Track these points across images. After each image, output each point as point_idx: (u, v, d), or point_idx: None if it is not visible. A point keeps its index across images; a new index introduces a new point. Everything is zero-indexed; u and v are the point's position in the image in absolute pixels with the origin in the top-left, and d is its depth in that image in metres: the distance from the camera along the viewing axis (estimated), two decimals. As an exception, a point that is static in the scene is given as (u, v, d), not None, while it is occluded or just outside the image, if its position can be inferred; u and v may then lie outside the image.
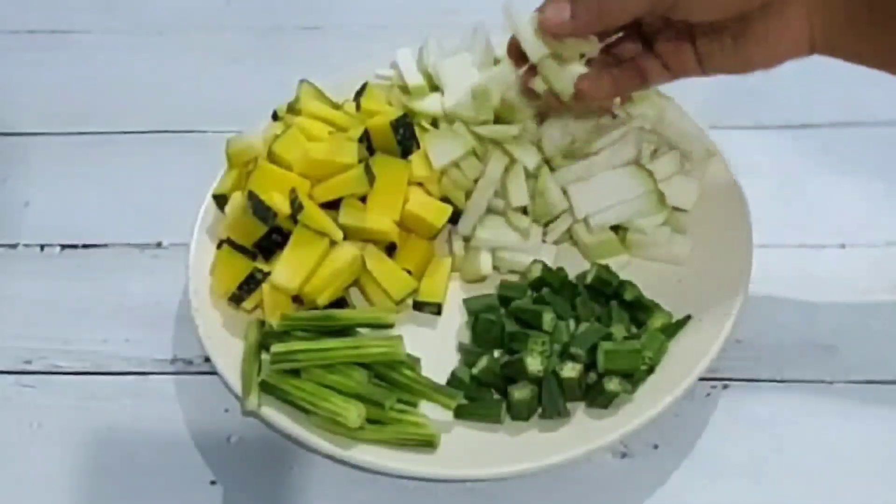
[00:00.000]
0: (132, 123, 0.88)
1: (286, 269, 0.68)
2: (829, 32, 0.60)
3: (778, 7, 0.59)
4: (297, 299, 0.69)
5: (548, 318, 0.67)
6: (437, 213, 0.71)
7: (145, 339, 0.74)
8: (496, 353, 0.67)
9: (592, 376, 0.65)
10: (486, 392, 0.67)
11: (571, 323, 0.68)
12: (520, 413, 0.65)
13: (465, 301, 0.70)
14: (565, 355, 0.66)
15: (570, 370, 0.64)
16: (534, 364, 0.65)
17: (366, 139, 0.72)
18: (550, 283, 0.70)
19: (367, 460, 0.63)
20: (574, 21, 0.60)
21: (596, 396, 0.64)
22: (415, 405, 0.66)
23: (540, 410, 0.65)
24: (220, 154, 0.74)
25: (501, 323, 0.68)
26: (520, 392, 0.64)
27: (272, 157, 0.70)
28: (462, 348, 0.69)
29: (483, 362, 0.66)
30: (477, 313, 0.69)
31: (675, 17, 0.59)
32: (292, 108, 0.75)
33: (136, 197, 0.83)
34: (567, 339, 0.66)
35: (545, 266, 0.70)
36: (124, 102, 0.90)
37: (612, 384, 0.64)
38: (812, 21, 0.59)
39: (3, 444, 0.69)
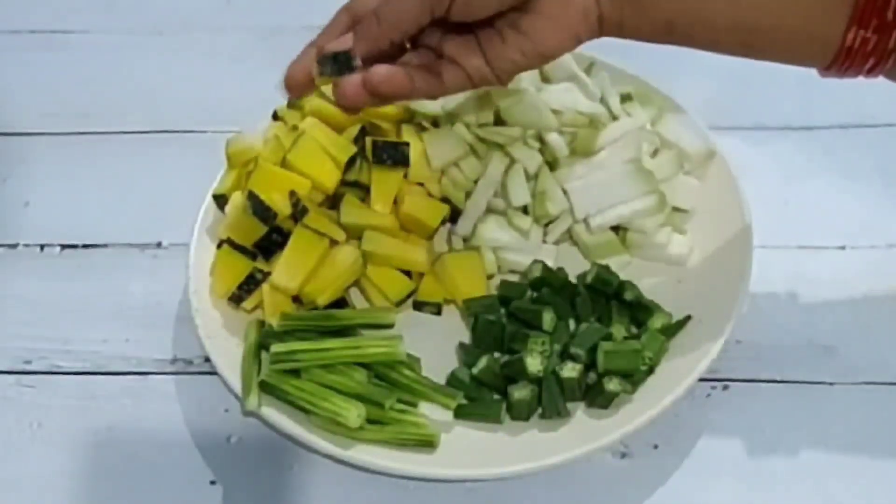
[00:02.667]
0: (132, 123, 0.88)
1: (286, 270, 0.68)
2: (612, 6, 0.58)
3: None
4: (297, 299, 0.69)
5: (548, 318, 0.67)
6: (433, 213, 0.71)
7: (145, 339, 0.74)
8: (496, 354, 0.67)
9: (592, 376, 0.65)
10: (486, 392, 0.67)
11: (571, 323, 0.68)
12: (520, 413, 0.65)
13: (465, 301, 0.70)
14: (565, 355, 0.66)
15: (570, 370, 0.64)
16: (534, 364, 0.65)
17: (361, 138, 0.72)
18: (551, 283, 0.70)
19: (367, 460, 0.63)
20: (357, 45, 0.59)
21: (596, 396, 0.64)
22: (415, 405, 0.66)
23: (540, 410, 0.65)
24: (220, 154, 0.74)
25: (501, 323, 0.68)
26: (520, 392, 0.64)
27: (286, 165, 0.70)
28: (462, 348, 0.69)
29: (483, 362, 0.66)
30: (477, 314, 0.69)
31: (453, 19, 0.57)
32: (293, 105, 0.75)
33: (136, 197, 0.82)
34: (567, 339, 0.66)
35: (545, 266, 0.70)
36: (124, 102, 0.90)
37: (612, 384, 0.64)
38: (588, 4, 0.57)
39: (3, 444, 0.69)
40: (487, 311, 0.68)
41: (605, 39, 0.90)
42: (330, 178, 0.70)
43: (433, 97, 0.62)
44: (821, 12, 0.56)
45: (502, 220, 0.72)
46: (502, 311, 0.69)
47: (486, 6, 0.57)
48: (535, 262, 0.71)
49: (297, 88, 0.61)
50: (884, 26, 0.54)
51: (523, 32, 0.58)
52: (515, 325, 0.68)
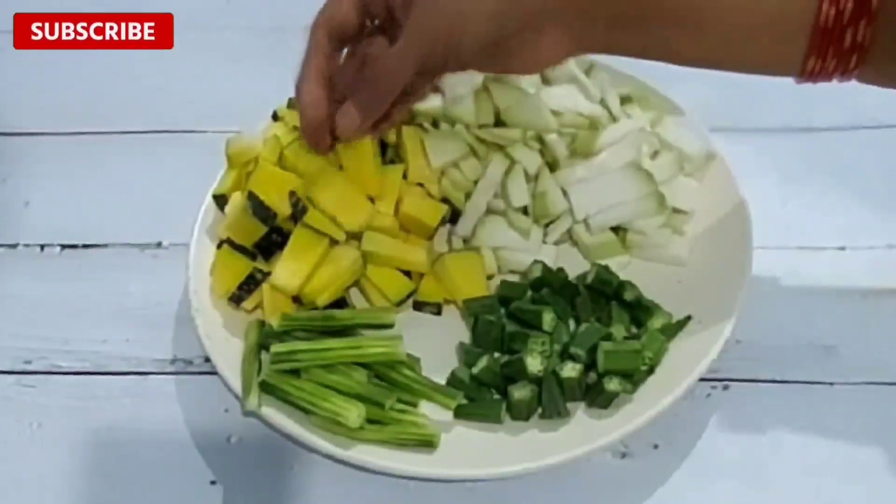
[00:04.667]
0: (132, 123, 0.88)
1: (286, 270, 0.68)
2: (583, 39, 0.60)
3: (531, 29, 0.59)
4: (297, 299, 0.69)
5: (548, 317, 0.67)
6: (433, 214, 0.71)
7: (145, 339, 0.74)
8: (496, 354, 0.67)
9: (592, 376, 0.65)
10: (486, 392, 0.67)
11: (571, 323, 0.68)
12: (520, 413, 0.65)
13: (465, 302, 0.70)
14: (565, 355, 0.66)
15: (570, 370, 0.64)
16: (534, 364, 0.65)
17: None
18: (551, 284, 0.70)
19: (367, 460, 0.63)
20: (364, 119, 0.63)
21: (596, 396, 0.64)
22: (415, 405, 0.66)
23: (540, 410, 0.65)
24: (220, 154, 0.74)
25: (501, 324, 0.68)
26: (520, 392, 0.64)
27: (284, 163, 0.70)
28: (462, 348, 0.69)
29: (483, 362, 0.66)
30: (477, 314, 0.69)
31: (448, 70, 0.62)
32: (293, 105, 0.75)
33: (136, 197, 0.83)
34: (567, 339, 0.66)
35: (545, 266, 0.70)
36: (124, 102, 0.90)
37: (613, 384, 0.64)
38: (567, 35, 0.60)
39: (3, 444, 0.69)
40: (487, 312, 0.68)
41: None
42: None
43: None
44: (778, 48, 0.57)
45: (502, 220, 0.72)
46: (502, 311, 0.69)
47: (473, 48, 0.60)
48: (536, 262, 0.71)
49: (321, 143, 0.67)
50: (841, 53, 0.56)
51: (496, 63, 0.62)
52: (515, 326, 0.68)
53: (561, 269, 0.71)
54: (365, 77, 0.63)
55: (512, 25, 0.59)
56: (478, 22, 0.59)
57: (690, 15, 0.57)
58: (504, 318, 0.69)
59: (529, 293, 0.70)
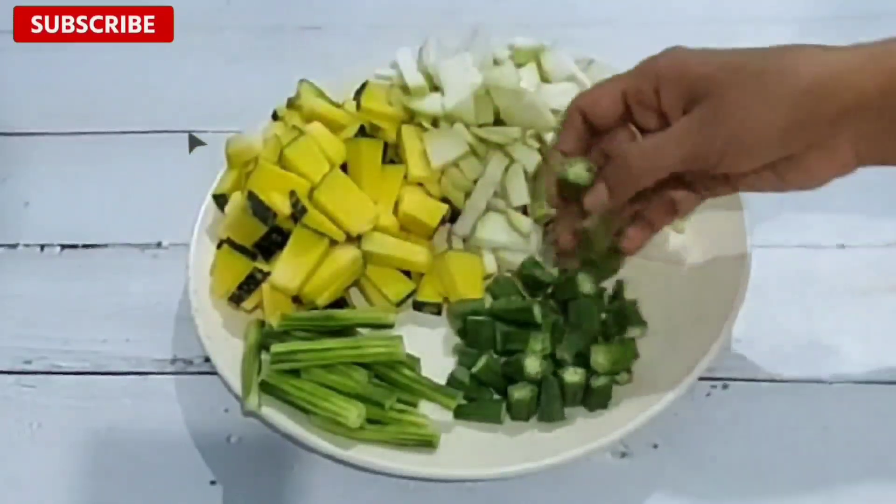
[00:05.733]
0: (132, 123, 0.88)
1: (286, 270, 0.68)
2: (874, 152, 0.57)
3: (825, 143, 0.56)
4: (297, 299, 0.69)
5: (537, 310, 0.67)
6: (433, 213, 0.71)
7: (145, 339, 0.74)
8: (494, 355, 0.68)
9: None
10: (486, 392, 0.67)
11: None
12: (519, 413, 0.65)
13: (449, 309, 0.70)
14: (554, 358, 0.66)
15: (572, 374, 0.64)
16: (532, 365, 0.65)
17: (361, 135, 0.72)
18: (538, 280, 0.70)
19: (367, 460, 0.63)
20: (613, 199, 0.61)
21: (590, 397, 0.64)
22: (415, 405, 0.66)
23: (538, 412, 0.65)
24: (220, 154, 0.74)
25: (491, 322, 0.68)
26: (519, 392, 0.64)
27: (284, 163, 0.70)
28: (459, 349, 0.69)
29: (482, 361, 0.66)
30: (463, 316, 0.68)
31: (717, 172, 0.59)
32: (292, 105, 0.75)
33: (136, 197, 0.83)
34: (560, 339, 0.67)
35: (534, 261, 0.71)
36: (124, 102, 0.90)
37: (601, 381, 0.64)
38: (858, 148, 0.57)
39: (3, 444, 0.69)
40: (473, 313, 0.68)
41: (600, 37, 0.90)
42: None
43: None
44: None
45: (502, 219, 0.72)
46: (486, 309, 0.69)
47: (754, 162, 0.57)
48: (528, 258, 0.71)
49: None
50: None
51: (782, 176, 0.59)
52: (508, 325, 0.68)
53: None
54: (616, 155, 0.61)
55: (805, 140, 0.56)
56: (766, 141, 0.55)
57: None
58: (493, 319, 0.68)
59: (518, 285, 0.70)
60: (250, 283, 0.69)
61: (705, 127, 0.56)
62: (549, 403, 0.64)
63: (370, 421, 0.64)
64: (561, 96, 0.74)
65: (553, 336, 0.67)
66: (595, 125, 0.62)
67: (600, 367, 0.64)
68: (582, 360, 0.65)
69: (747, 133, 0.56)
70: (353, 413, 0.63)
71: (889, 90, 0.54)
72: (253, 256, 0.70)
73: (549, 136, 0.73)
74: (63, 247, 0.80)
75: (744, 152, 0.56)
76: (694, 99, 0.57)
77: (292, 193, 0.68)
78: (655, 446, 0.66)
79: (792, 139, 0.56)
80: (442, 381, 0.67)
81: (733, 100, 0.55)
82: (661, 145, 0.58)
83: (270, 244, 0.70)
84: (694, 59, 0.58)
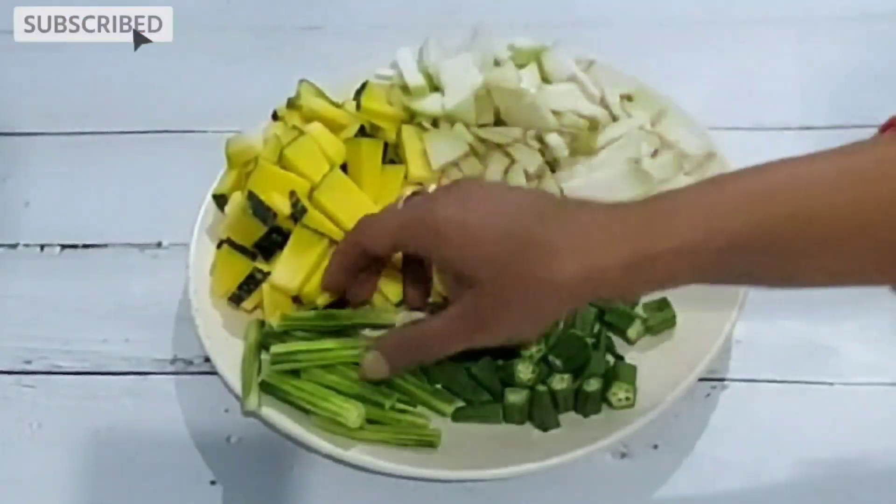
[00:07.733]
0: (132, 123, 0.88)
1: (286, 269, 0.68)
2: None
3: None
4: (297, 299, 0.69)
5: None
6: None
7: (145, 339, 0.74)
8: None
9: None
10: (484, 394, 0.66)
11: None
12: (513, 417, 0.65)
13: (430, 307, 0.69)
14: (547, 362, 0.66)
15: (559, 381, 0.64)
16: (524, 371, 0.65)
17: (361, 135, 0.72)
18: None
19: (367, 460, 0.63)
20: (391, 371, 0.63)
21: (584, 403, 0.64)
22: (414, 405, 0.66)
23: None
24: (220, 154, 0.74)
25: None
26: (515, 396, 0.64)
27: (284, 163, 0.70)
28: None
29: (481, 362, 0.66)
30: None
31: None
32: (292, 105, 0.75)
33: (136, 197, 0.82)
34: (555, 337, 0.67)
35: None
36: (124, 102, 0.90)
37: (592, 385, 0.64)
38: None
39: (3, 444, 0.69)
40: None
41: (601, 38, 0.90)
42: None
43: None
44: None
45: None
46: None
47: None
48: None
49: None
50: None
51: None
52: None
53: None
54: (405, 336, 0.62)
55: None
56: (531, 334, 0.62)
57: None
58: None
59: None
60: (250, 283, 0.69)
61: (477, 320, 0.57)
62: (541, 411, 0.64)
63: (370, 421, 0.64)
64: (562, 97, 0.74)
65: (546, 340, 0.67)
66: (368, 260, 0.65)
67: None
68: (573, 363, 0.65)
69: (514, 333, 0.59)
70: (353, 413, 0.63)
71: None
72: (253, 256, 0.70)
73: (551, 137, 0.73)
74: (63, 247, 0.80)
75: (514, 340, 0.62)
76: (460, 280, 0.58)
77: (292, 193, 0.68)
78: (655, 447, 0.66)
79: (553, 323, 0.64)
80: (442, 381, 0.67)
81: (499, 303, 0.56)
82: (440, 333, 0.59)
83: (270, 244, 0.70)
84: (460, 240, 0.57)
